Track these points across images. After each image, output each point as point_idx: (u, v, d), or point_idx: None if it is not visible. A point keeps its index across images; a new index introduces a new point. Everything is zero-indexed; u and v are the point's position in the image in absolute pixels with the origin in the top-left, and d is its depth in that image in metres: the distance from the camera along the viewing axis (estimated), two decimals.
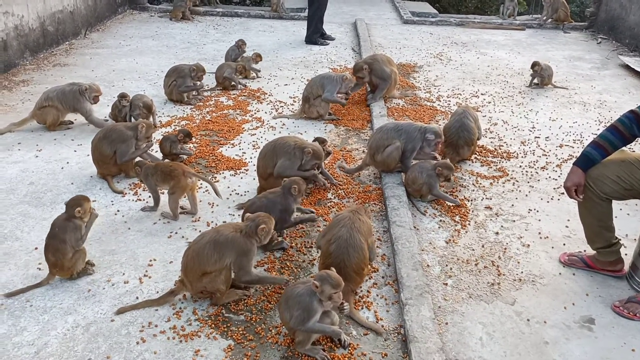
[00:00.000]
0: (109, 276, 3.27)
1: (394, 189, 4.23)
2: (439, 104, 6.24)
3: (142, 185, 4.32)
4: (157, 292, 3.15)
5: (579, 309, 3.09)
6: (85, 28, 8.96)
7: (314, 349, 2.72)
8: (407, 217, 3.82)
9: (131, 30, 9.50)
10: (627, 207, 4.04)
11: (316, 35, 8.99)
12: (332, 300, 2.65)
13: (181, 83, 6.00)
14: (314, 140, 4.45)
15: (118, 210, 3.96)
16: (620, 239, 3.34)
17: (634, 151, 3.47)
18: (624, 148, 3.18)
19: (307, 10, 9.24)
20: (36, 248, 3.49)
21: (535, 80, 6.89)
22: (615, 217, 3.28)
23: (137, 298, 3.09)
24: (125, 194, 4.20)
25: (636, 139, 3.15)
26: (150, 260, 3.41)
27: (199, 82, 6.12)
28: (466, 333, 2.90)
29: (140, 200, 4.12)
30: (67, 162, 4.67)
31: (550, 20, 10.63)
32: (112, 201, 4.09)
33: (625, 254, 3.41)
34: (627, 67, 7.93)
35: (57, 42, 8.13)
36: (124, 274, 3.29)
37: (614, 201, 3.20)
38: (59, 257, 3.11)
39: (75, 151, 4.89)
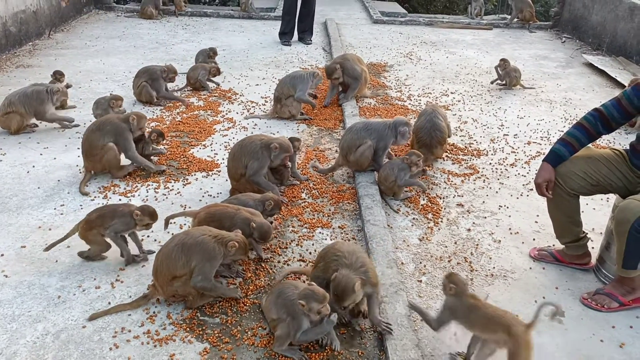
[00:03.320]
0: (80, 282, 3.19)
1: (368, 188, 4.25)
2: (409, 103, 6.30)
3: (112, 188, 4.24)
4: (130, 296, 3.09)
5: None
6: (49, 28, 8.75)
7: (292, 349, 2.71)
8: (380, 216, 3.85)
9: (97, 30, 9.31)
10: (593, 202, 4.15)
11: (280, 32, 8.96)
12: (321, 314, 2.63)
13: (158, 88, 5.93)
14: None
15: None
16: (587, 233, 3.44)
17: (606, 148, 3.56)
18: (589, 145, 3.27)
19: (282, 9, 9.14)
20: (2, 255, 3.39)
21: (503, 82, 6.98)
22: (582, 211, 3.37)
23: (110, 303, 3.03)
24: (95, 197, 4.12)
25: (601, 136, 3.24)
26: (122, 265, 3.35)
27: (178, 89, 6.15)
28: (441, 329, 2.92)
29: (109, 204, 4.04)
30: (33, 166, 4.55)
31: (516, 20, 10.85)
32: (80, 205, 4.00)
33: (592, 248, 3.51)
34: (591, 66, 8.14)
35: (20, 42, 7.91)
36: (95, 279, 3.23)
37: (581, 197, 3.28)
38: (98, 223, 3.24)
39: (41, 154, 4.76)
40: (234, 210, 3.34)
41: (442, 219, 4.00)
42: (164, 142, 4.89)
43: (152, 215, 3.29)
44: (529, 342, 2.44)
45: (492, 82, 7.09)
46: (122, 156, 4.41)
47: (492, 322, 2.51)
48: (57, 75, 5.95)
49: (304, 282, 3.23)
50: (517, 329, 2.45)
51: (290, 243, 3.64)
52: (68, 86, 6.07)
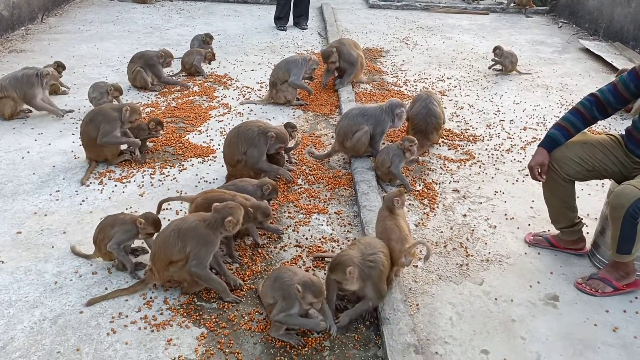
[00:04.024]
0: (76, 267, 3.20)
1: (364, 173, 4.25)
2: (406, 89, 6.28)
3: (108, 174, 4.23)
4: (127, 282, 3.10)
5: (544, 287, 3.18)
6: (42, 13, 8.64)
7: (288, 333, 2.73)
8: (377, 202, 3.85)
9: (91, 14, 9.21)
10: (588, 187, 4.17)
11: (275, 17, 8.89)
12: (312, 306, 2.66)
13: (157, 73, 5.90)
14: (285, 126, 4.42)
15: (83, 200, 3.87)
16: (582, 219, 3.45)
17: (602, 133, 3.57)
18: (585, 130, 3.28)
19: None
20: None
21: (498, 67, 6.97)
22: (577, 197, 3.38)
23: (106, 289, 3.04)
24: (90, 183, 4.10)
25: (597, 121, 3.25)
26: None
27: (173, 74, 6.20)
28: (437, 313, 2.95)
29: (105, 189, 4.03)
30: (28, 152, 4.53)
31: (512, 4, 10.79)
32: (76, 191, 3.99)
33: (587, 233, 3.53)
34: (587, 51, 8.12)
35: (12, 27, 7.82)
36: (91, 264, 3.23)
37: (576, 182, 3.29)
38: (100, 238, 3.14)
39: (35, 140, 4.74)
40: (230, 196, 3.33)
41: (438, 204, 4.01)
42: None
43: (155, 223, 3.19)
44: (398, 259, 2.97)
45: (489, 68, 7.05)
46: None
47: (386, 232, 3.08)
48: (59, 68, 5.71)
49: (300, 267, 3.25)
50: (394, 244, 2.99)
51: (286, 229, 3.65)
52: (62, 84, 5.86)
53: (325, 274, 3.19)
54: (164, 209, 3.74)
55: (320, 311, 2.73)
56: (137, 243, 3.36)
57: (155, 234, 3.16)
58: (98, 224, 3.21)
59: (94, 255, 3.24)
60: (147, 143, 4.62)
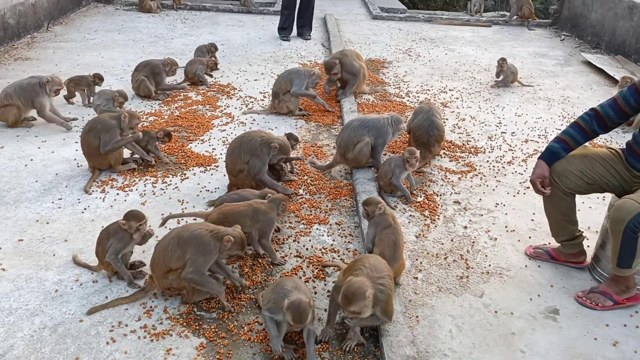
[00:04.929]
0: (77, 276, 3.20)
1: (365, 184, 4.26)
2: (408, 100, 6.31)
3: (110, 182, 4.25)
4: (127, 290, 3.11)
5: (544, 300, 3.18)
6: (47, 21, 8.72)
7: (286, 346, 2.72)
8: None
9: (96, 23, 9.29)
10: (589, 200, 4.17)
11: (279, 27, 8.95)
12: (291, 328, 2.65)
13: (159, 80, 5.95)
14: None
15: (85, 209, 3.88)
16: (583, 232, 3.45)
17: (603, 147, 3.58)
18: (586, 144, 3.29)
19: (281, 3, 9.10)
20: None
21: (501, 78, 6.96)
22: (578, 210, 3.39)
23: (107, 297, 3.05)
24: (93, 191, 4.12)
25: (598, 135, 3.26)
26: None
27: (176, 83, 6.35)
28: (436, 326, 2.95)
29: (107, 198, 4.05)
30: (31, 159, 4.55)
31: (515, 17, 10.85)
32: (78, 199, 4.00)
33: (588, 246, 3.53)
34: (589, 64, 8.15)
35: (18, 35, 7.89)
36: (92, 273, 3.23)
37: (577, 195, 3.30)
38: (100, 251, 3.15)
39: (39, 148, 4.76)
40: (246, 207, 3.33)
41: (438, 216, 4.01)
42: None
43: (136, 216, 3.14)
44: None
45: (496, 76, 6.97)
46: (124, 150, 4.47)
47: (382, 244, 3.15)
48: (97, 80, 5.76)
49: (300, 277, 3.25)
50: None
51: (287, 239, 3.66)
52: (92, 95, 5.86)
53: (325, 284, 3.21)
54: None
55: (305, 334, 2.70)
56: (137, 254, 3.37)
57: (149, 225, 3.23)
58: (97, 238, 3.20)
59: (98, 268, 3.24)
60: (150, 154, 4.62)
